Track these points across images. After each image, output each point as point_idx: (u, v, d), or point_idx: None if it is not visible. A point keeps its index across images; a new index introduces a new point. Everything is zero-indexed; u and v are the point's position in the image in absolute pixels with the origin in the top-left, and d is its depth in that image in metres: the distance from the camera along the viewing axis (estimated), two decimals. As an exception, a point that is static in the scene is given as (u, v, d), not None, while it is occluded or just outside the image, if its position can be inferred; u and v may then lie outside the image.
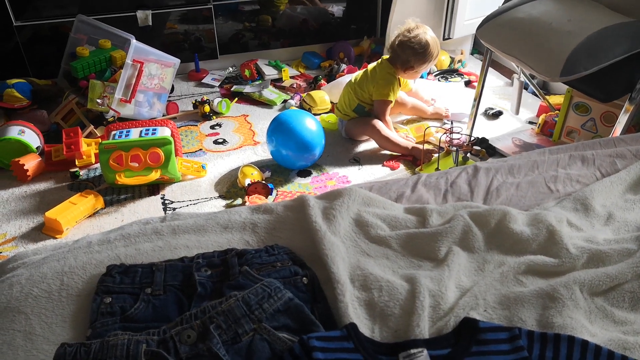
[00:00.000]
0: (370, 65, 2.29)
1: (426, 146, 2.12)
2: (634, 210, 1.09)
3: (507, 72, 2.85)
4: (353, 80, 2.28)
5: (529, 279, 0.91)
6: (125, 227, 1.05)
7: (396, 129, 2.33)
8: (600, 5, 1.83)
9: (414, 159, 2.16)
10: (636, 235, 0.99)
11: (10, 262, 0.98)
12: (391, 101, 2.22)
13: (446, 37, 2.95)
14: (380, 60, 2.28)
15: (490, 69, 2.74)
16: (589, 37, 1.62)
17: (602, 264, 0.93)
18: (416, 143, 2.20)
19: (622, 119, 1.67)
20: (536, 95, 2.54)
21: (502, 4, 1.97)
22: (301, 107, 2.55)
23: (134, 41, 2.32)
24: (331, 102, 2.54)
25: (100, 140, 2.15)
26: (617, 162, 1.26)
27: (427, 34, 2.18)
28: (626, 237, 0.99)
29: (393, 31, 2.81)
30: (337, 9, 3.11)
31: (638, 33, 1.64)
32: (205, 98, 2.54)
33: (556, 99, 2.44)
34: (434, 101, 2.52)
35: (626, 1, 1.79)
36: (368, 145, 2.29)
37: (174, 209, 1.92)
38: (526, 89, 2.61)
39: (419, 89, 2.52)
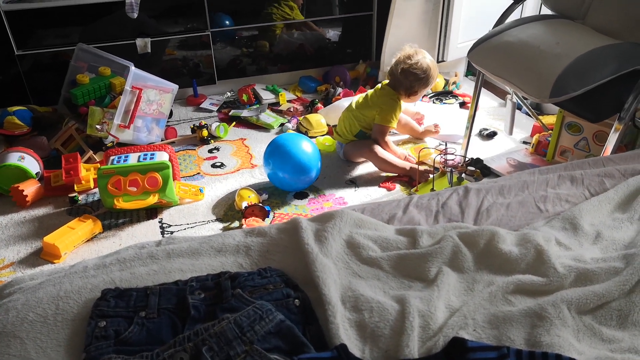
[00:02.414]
0: (370, 91, 2.33)
1: (423, 167, 2.15)
2: (622, 228, 1.11)
3: (501, 93, 2.89)
4: (354, 106, 2.31)
5: (517, 298, 0.92)
6: (121, 252, 1.06)
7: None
8: (587, 28, 1.87)
9: (410, 179, 2.19)
10: (623, 254, 1.00)
11: (7, 287, 0.99)
12: (390, 126, 2.27)
13: (440, 59, 3.01)
14: (380, 85, 2.32)
15: (484, 90, 2.79)
16: (577, 59, 1.65)
17: (590, 283, 0.94)
18: (415, 163, 2.23)
19: (612, 138, 1.70)
20: (529, 115, 2.58)
21: (493, 28, 2.01)
22: (298, 130, 2.59)
23: (132, 68, 2.36)
24: (327, 125, 2.58)
25: (99, 165, 2.18)
26: (606, 181, 1.28)
27: (427, 58, 2.26)
28: (613, 255, 1.01)
29: (389, 57, 2.87)
30: (333, 34, 3.17)
31: (625, 54, 1.67)
32: (203, 122, 2.58)
33: (549, 119, 2.47)
34: (422, 117, 2.57)
35: (613, 24, 1.83)
36: (364, 167, 2.32)
37: (172, 232, 1.93)
38: (520, 109, 2.65)
39: (408, 106, 2.56)
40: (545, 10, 2.13)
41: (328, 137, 2.51)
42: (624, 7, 1.81)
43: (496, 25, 2.04)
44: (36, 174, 2.16)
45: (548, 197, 1.23)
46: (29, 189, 2.06)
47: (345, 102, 2.57)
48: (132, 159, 2.01)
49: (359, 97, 2.35)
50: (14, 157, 2.14)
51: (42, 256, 1.82)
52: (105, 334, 0.84)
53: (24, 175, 2.11)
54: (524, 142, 2.45)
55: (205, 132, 2.53)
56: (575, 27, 1.89)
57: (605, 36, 1.79)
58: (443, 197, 1.25)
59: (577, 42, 1.74)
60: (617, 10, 1.84)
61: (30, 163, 2.16)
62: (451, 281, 0.96)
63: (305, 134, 2.52)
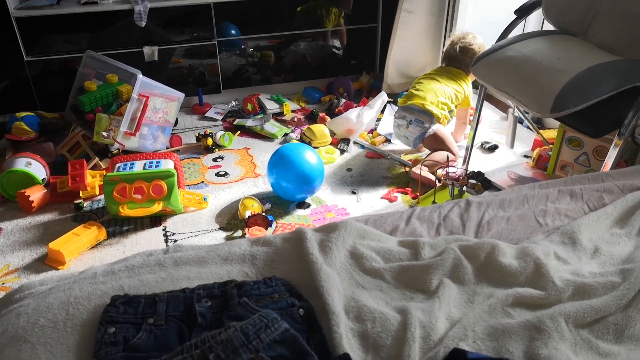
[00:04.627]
0: (438, 69, 2.52)
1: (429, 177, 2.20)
2: (620, 244, 1.13)
3: (503, 107, 2.92)
4: (444, 82, 2.43)
5: (516, 310, 0.94)
6: (129, 259, 1.08)
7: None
8: (589, 44, 1.90)
9: (415, 193, 2.21)
10: (620, 269, 1.02)
11: (17, 292, 1.01)
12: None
13: (443, 72, 3.03)
14: (444, 66, 2.51)
15: (486, 103, 2.81)
16: (578, 75, 1.68)
17: (587, 297, 0.96)
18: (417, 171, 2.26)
19: (612, 154, 1.72)
20: (531, 129, 2.60)
21: (495, 42, 2.04)
22: (301, 140, 2.61)
23: (140, 76, 2.39)
24: (332, 136, 2.60)
25: (105, 172, 2.20)
26: (605, 196, 1.30)
27: (477, 37, 2.49)
28: (611, 270, 1.03)
29: (393, 68, 2.91)
30: (337, 45, 3.20)
31: (625, 71, 1.70)
32: (208, 131, 2.61)
33: (550, 133, 2.50)
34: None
35: (614, 40, 1.86)
36: (366, 178, 2.34)
37: (175, 240, 1.96)
38: (521, 123, 2.68)
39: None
40: (548, 26, 2.17)
41: (330, 147, 2.54)
42: (625, 24, 1.84)
43: (499, 39, 2.08)
44: (42, 179, 2.19)
45: (548, 212, 1.26)
46: (35, 194, 2.09)
47: (352, 114, 2.60)
48: (138, 166, 2.04)
49: (434, 74, 2.48)
50: (21, 163, 2.16)
51: (46, 262, 1.84)
52: (115, 340, 0.86)
53: (30, 180, 2.14)
54: (525, 156, 2.47)
55: (210, 141, 2.56)
56: (576, 43, 1.92)
57: (607, 52, 1.82)
58: (445, 210, 1.27)
59: (579, 58, 1.77)
60: (619, 27, 1.87)
61: (37, 169, 2.19)
62: (452, 293, 0.98)
63: (309, 144, 2.55)
